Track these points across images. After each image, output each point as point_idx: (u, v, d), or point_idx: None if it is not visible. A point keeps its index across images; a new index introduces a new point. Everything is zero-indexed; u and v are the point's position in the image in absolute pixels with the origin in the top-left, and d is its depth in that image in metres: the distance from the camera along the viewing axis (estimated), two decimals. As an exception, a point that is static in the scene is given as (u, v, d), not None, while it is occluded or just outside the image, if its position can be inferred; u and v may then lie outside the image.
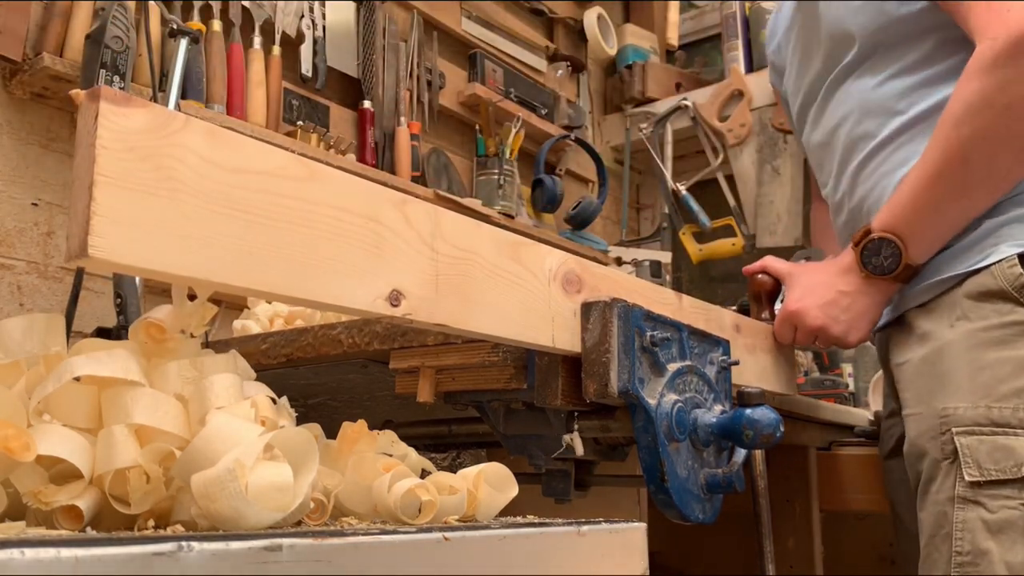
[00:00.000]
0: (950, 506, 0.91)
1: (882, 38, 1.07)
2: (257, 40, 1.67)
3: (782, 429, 0.75)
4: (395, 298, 0.55)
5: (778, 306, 1.15)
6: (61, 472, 0.50)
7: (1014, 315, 0.92)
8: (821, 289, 1.06)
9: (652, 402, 0.72)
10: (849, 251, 1.03)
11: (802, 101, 1.24)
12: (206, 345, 0.95)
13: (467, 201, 1.96)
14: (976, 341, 0.93)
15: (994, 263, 0.93)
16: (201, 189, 0.45)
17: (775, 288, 1.17)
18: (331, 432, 0.65)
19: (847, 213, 1.15)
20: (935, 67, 1.03)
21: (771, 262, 1.18)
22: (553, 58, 2.51)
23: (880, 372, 1.87)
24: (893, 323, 1.07)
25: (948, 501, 0.91)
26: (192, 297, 0.60)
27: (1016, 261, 0.93)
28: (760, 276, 1.18)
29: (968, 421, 0.90)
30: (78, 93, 0.44)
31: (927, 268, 1.00)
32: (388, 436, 0.67)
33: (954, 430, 0.91)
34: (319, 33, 1.80)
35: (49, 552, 0.33)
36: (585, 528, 0.58)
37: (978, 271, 0.95)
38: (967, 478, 0.89)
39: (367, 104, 1.88)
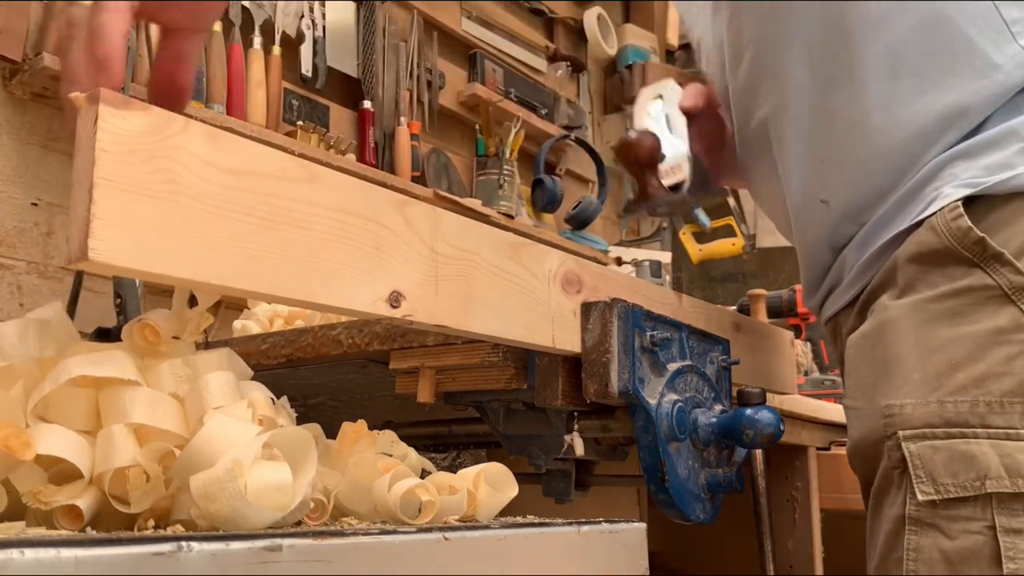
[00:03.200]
0: (902, 527, 0.72)
1: None
2: (257, 40, 1.67)
3: (782, 428, 0.75)
4: (395, 299, 0.55)
5: (663, 167, 0.95)
6: (61, 472, 0.50)
7: (969, 279, 0.71)
8: None
9: (652, 402, 0.72)
10: None
11: None
12: (206, 347, 0.95)
13: (467, 201, 1.96)
14: (925, 315, 0.73)
15: (933, 214, 0.73)
16: (201, 191, 0.45)
17: (654, 148, 0.96)
18: (331, 432, 0.65)
19: None
20: None
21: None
22: (553, 58, 2.51)
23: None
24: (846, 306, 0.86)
25: (899, 520, 0.73)
26: (194, 303, 0.60)
27: (960, 209, 0.71)
28: (631, 137, 0.96)
29: (918, 422, 0.71)
30: (78, 95, 0.43)
31: (873, 230, 0.79)
32: (388, 436, 0.67)
33: (901, 434, 0.72)
34: (319, 33, 1.80)
35: (49, 552, 0.33)
36: (585, 528, 0.58)
37: (916, 226, 0.74)
38: (920, 496, 0.70)
39: (367, 104, 1.89)
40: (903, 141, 0.76)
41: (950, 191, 0.72)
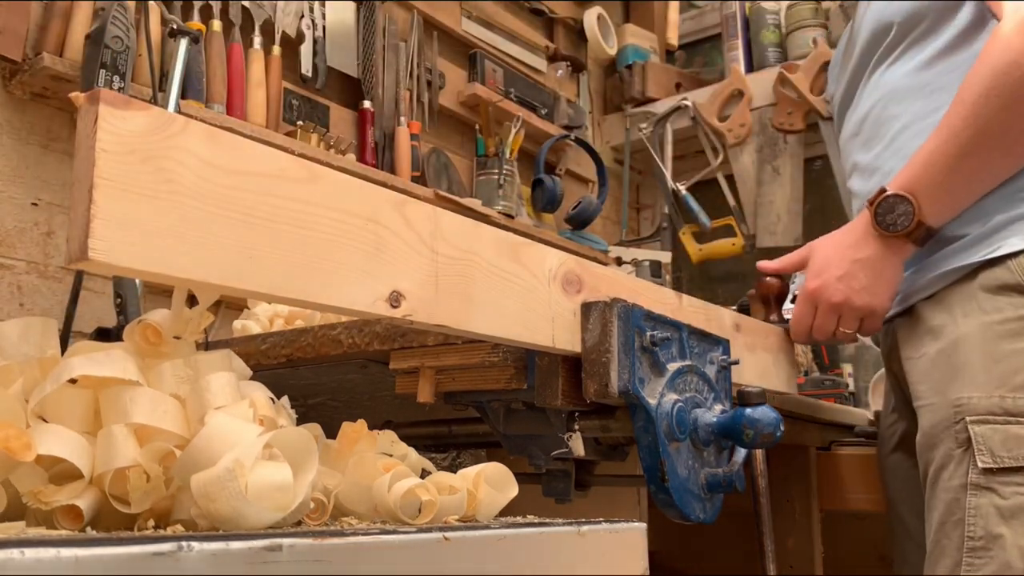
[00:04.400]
0: (963, 492, 0.92)
1: (917, 20, 1.08)
2: (257, 40, 1.67)
3: (782, 429, 0.75)
4: (395, 299, 0.55)
5: (787, 307, 1.15)
6: (61, 472, 0.50)
7: None
8: (836, 261, 1.05)
9: (652, 402, 0.72)
10: (864, 213, 1.03)
11: (840, 101, 1.27)
12: (206, 347, 0.95)
13: (467, 201, 1.96)
14: (992, 334, 0.94)
15: (1008, 255, 0.94)
16: (201, 191, 0.45)
17: (782, 290, 1.17)
18: (331, 432, 0.65)
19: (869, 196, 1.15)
20: (962, 52, 1.04)
21: (783, 260, 1.17)
22: (553, 58, 2.50)
23: (880, 372, 1.87)
24: (900, 315, 1.07)
25: (961, 488, 0.92)
26: (193, 302, 0.60)
27: None
28: (769, 279, 1.18)
29: (982, 410, 0.91)
30: (78, 96, 0.43)
31: (935, 258, 1.01)
32: (388, 436, 0.67)
33: (968, 419, 0.92)
34: (319, 33, 1.80)
35: (49, 552, 0.33)
36: (585, 528, 0.58)
37: (992, 264, 0.96)
38: (980, 465, 0.90)
39: (367, 104, 1.88)
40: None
41: (1019, 242, 0.94)
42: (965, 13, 1.04)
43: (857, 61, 1.20)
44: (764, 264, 1.19)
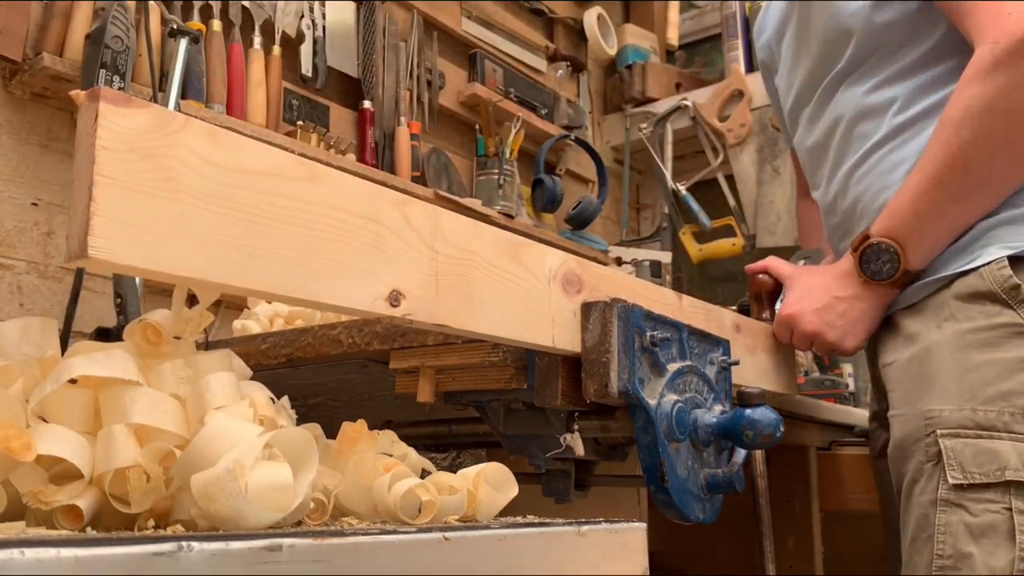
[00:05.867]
0: (932, 508, 0.89)
1: (879, 40, 1.06)
2: (257, 40, 1.67)
3: (782, 429, 0.75)
4: (395, 298, 0.55)
5: (779, 306, 1.15)
6: (61, 472, 0.50)
7: (1002, 317, 0.90)
8: (818, 293, 1.04)
9: (652, 402, 0.72)
10: (848, 257, 1.02)
11: (793, 103, 1.24)
12: (206, 347, 0.95)
13: (467, 201, 1.96)
14: (963, 343, 0.91)
15: (983, 265, 0.92)
16: (201, 189, 0.45)
17: (776, 288, 1.16)
18: (331, 432, 0.65)
19: (840, 215, 1.14)
20: (933, 69, 1.02)
21: (773, 263, 1.16)
22: (553, 58, 2.51)
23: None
24: (881, 324, 1.06)
25: (931, 504, 0.90)
26: (192, 301, 0.60)
27: (1006, 263, 0.91)
28: (761, 276, 1.16)
29: (953, 423, 0.89)
30: (78, 94, 0.43)
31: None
32: (388, 436, 0.67)
33: (939, 432, 0.90)
34: (319, 33, 1.80)
35: (49, 552, 0.33)
36: (585, 528, 0.58)
37: (967, 272, 0.94)
38: (950, 480, 0.88)
39: (367, 104, 1.88)
40: None
41: (996, 251, 0.92)
42: (940, 32, 1.01)
43: (815, 67, 1.15)
44: (751, 267, 1.19)
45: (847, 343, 1.03)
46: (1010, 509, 0.85)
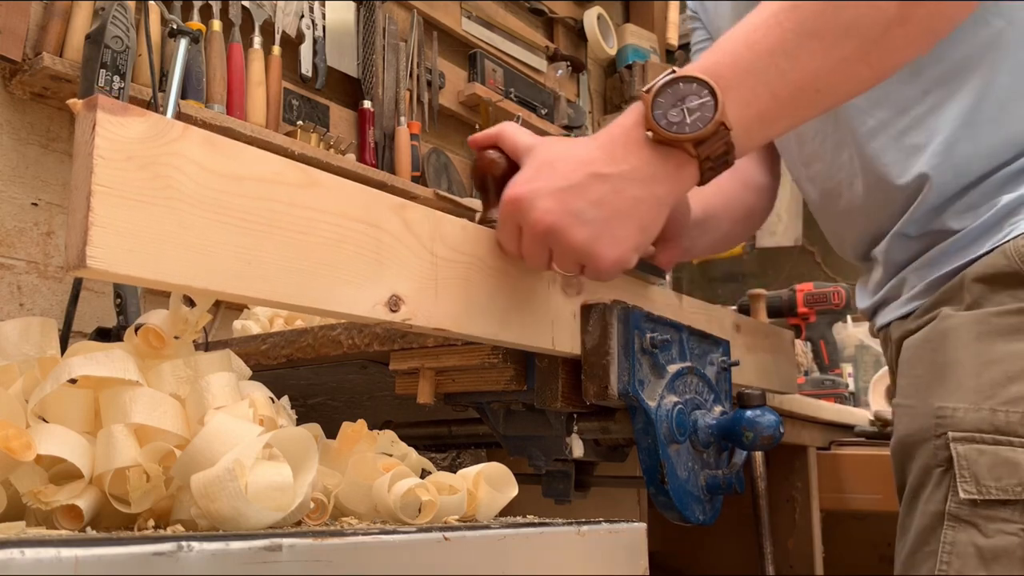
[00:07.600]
0: (939, 522, 0.77)
1: None
2: (257, 40, 1.67)
3: (782, 430, 0.75)
4: (394, 303, 0.55)
5: None
6: (61, 472, 0.50)
7: None
8: (564, 166, 0.65)
9: (652, 404, 0.72)
10: (632, 108, 0.66)
11: None
12: (206, 347, 0.95)
13: (467, 201, 1.96)
14: (985, 328, 0.77)
15: (1007, 242, 0.77)
16: (199, 197, 0.45)
17: (510, 171, 0.70)
18: (331, 432, 0.65)
19: (862, 189, 0.91)
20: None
21: (508, 130, 0.72)
22: (553, 58, 2.51)
23: (881, 371, 1.87)
24: (902, 319, 0.90)
25: (937, 516, 0.77)
26: (190, 302, 0.60)
27: None
28: (490, 153, 0.73)
29: (968, 426, 0.76)
30: (75, 102, 0.43)
31: (939, 255, 0.84)
32: (388, 436, 0.67)
33: (951, 435, 0.77)
34: (319, 33, 1.80)
35: (49, 552, 0.33)
36: (585, 528, 0.58)
37: (988, 253, 0.79)
38: (962, 495, 0.75)
39: (367, 104, 1.88)
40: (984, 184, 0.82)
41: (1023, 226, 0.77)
42: None
43: None
44: (474, 137, 0.76)
45: (602, 251, 0.64)
46: None
